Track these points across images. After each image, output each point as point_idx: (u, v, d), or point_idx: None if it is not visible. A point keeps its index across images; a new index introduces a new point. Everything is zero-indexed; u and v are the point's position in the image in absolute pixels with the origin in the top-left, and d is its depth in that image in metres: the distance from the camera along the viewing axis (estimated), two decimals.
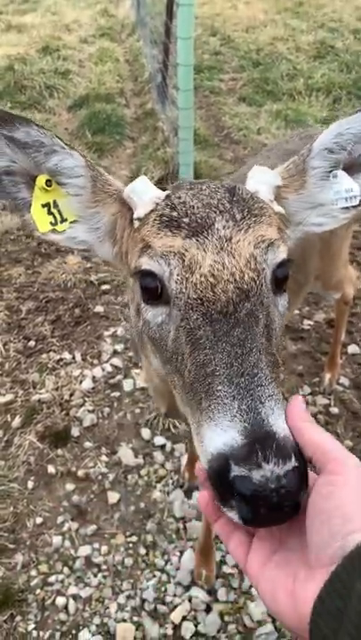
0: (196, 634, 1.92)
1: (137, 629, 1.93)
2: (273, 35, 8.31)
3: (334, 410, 2.66)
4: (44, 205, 1.02)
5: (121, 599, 2.01)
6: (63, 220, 1.04)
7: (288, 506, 0.64)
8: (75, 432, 2.59)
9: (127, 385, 2.82)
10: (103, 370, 2.91)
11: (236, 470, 0.65)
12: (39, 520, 2.25)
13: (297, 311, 3.25)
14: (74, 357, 2.99)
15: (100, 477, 2.41)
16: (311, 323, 3.20)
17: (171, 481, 2.40)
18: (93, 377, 2.87)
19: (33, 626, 1.94)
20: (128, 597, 2.02)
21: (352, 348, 3.00)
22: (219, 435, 0.69)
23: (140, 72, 7.14)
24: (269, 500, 0.63)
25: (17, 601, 2.00)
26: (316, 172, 1.04)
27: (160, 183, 4.59)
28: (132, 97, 6.75)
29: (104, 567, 2.10)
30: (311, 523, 0.63)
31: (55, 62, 7.18)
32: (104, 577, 2.08)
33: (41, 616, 1.97)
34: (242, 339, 0.76)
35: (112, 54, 7.70)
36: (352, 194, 1.04)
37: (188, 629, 1.91)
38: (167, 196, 0.96)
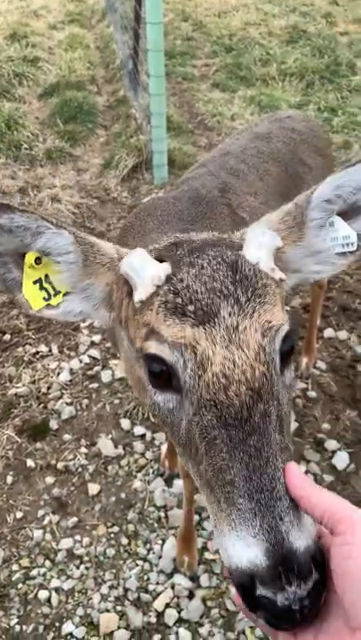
0: (180, 620, 1.93)
1: (120, 619, 1.93)
2: (245, 20, 8.26)
3: (312, 394, 2.68)
4: (35, 282, 0.99)
5: (104, 589, 2.01)
6: (56, 293, 1.01)
7: (310, 615, 0.68)
8: (53, 425, 2.56)
9: (105, 376, 2.80)
10: (81, 361, 2.88)
11: (262, 591, 0.68)
12: (19, 514, 2.23)
13: None
14: (50, 350, 2.96)
15: (79, 469, 2.39)
16: (287, 308, 3.21)
17: (151, 470, 2.40)
18: (71, 369, 2.84)
19: (16, 620, 1.93)
20: (111, 587, 2.02)
21: (328, 332, 3.03)
22: (243, 549, 0.71)
23: (112, 59, 7.03)
24: (292, 615, 0.67)
25: None
26: (315, 223, 1.01)
27: (134, 171, 4.55)
28: (104, 84, 6.65)
29: (86, 559, 2.10)
30: (341, 585, 0.65)
31: (24, 49, 7.02)
32: (86, 568, 2.07)
33: (24, 610, 1.96)
34: (258, 447, 0.75)
35: (82, 41, 7.57)
36: (349, 240, 1.02)
37: (171, 616, 1.92)
38: (168, 279, 0.90)
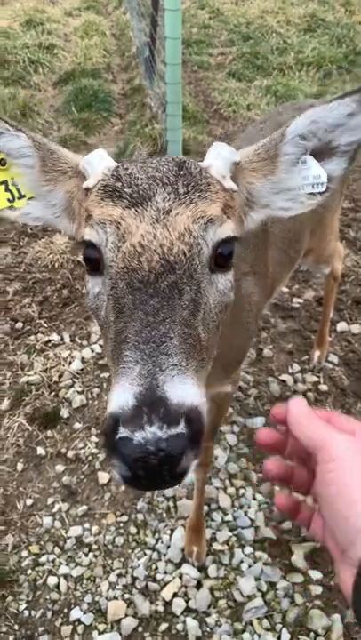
0: (187, 609, 1.94)
1: (128, 607, 1.94)
2: (263, 7, 8.14)
3: (323, 387, 2.66)
4: (0, 183, 1.04)
5: (112, 577, 2.02)
6: (21, 197, 1.06)
7: (167, 470, 0.66)
8: (64, 413, 2.57)
9: None
10: (92, 351, 2.89)
11: (122, 431, 0.67)
12: (29, 502, 2.25)
13: (286, 289, 3.24)
14: (62, 339, 2.96)
15: (90, 458, 2.40)
16: (301, 301, 3.18)
17: None
18: (82, 358, 2.85)
19: (24, 605, 1.95)
20: (119, 576, 2.03)
21: (341, 326, 3.00)
22: (117, 396, 0.71)
23: (128, 46, 6.97)
24: (147, 461, 0.65)
25: (8, 582, 2.00)
26: (288, 158, 1.01)
27: None
28: (120, 72, 6.60)
29: (95, 547, 2.11)
30: (326, 510, 0.67)
31: (39, 36, 6.99)
32: (95, 556, 2.09)
33: (32, 596, 1.98)
34: (157, 308, 0.77)
35: (98, 28, 7.51)
36: (320, 180, 1.02)
37: (178, 605, 1.93)
38: (115, 167, 0.95)
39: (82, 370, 2.79)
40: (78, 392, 2.67)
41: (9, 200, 1.05)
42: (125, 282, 0.81)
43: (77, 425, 2.53)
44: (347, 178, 2.34)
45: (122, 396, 0.70)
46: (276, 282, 1.94)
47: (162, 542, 2.12)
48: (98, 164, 0.96)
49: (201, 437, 0.70)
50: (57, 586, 2.00)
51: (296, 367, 2.78)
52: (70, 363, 2.81)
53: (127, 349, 0.74)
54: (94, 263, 0.89)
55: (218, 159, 0.96)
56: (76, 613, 1.93)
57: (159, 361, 0.72)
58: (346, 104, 0.95)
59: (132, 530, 2.16)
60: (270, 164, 1.02)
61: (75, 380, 2.74)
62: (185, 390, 0.71)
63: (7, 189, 1.05)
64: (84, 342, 2.94)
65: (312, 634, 1.86)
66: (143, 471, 0.66)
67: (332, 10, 8.03)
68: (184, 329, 0.78)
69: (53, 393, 2.67)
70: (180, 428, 0.67)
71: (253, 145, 1.05)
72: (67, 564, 2.06)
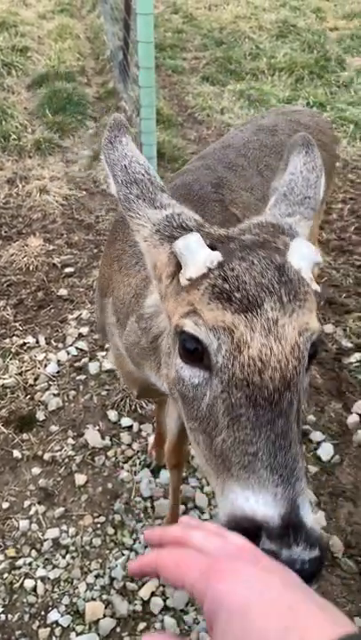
0: (165, 608, 1.95)
1: (106, 607, 1.94)
2: (236, 13, 8.24)
3: None
4: None
5: (90, 579, 2.02)
6: None
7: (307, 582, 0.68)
8: (40, 416, 2.56)
9: (93, 368, 2.80)
10: (68, 353, 2.88)
11: (268, 544, 0.69)
12: (5, 505, 2.23)
13: None
14: (37, 341, 2.95)
15: (66, 460, 2.40)
16: None
17: (138, 461, 2.41)
18: (58, 361, 2.84)
19: (1, 610, 1.93)
20: (97, 577, 2.03)
21: None
22: (257, 504, 0.73)
23: (102, 50, 6.98)
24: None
25: None
26: None
27: None
28: (94, 75, 6.60)
29: (72, 548, 2.11)
30: None
31: (12, 39, 6.94)
32: (72, 558, 2.08)
33: (9, 599, 1.97)
34: (285, 430, 0.78)
35: (72, 31, 7.50)
36: None
37: (156, 604, 1.94)
38: (220, 265, 0.92)
39: (57, 372, 2.78)
40: (54, 395, 2.66)
41: None
42: (245, 395, 0.80)
43: (53, 427, 2.52)
44: (329, 189, 2.39)
45: (265, 509, 0.72)
46: None
47: (139, 542, 2.12)
48: (197, 252, 0.94)
49: (323, 567, 0.73)
50: (34, 589, 1.99)
51: None
52: (46, 365, 2.80)
53: (263, 468, 0.76)
54: (194, 355, 0.89)
55: (303, 260, 0.96)
56: (53, 616, 1.92)
57: (296, 487, 0.75)
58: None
59: (110, 530, 2.16)
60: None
61: (50, 382, 2.73)
62: (313, 517, 0.75)
63: None
64: (60, 345, 2.94)
65: None
66: None
67: (303, 16, 8.17)
68: (299, 448, 0.80)
69: (29, 396, 2.66)
70: (317, 552, 0.70)
71: (304, 220, 1.11)
72: (44, 567, 2.05)
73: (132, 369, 1.48)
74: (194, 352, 0.89)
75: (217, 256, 0.93)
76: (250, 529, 0.70)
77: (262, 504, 0.73)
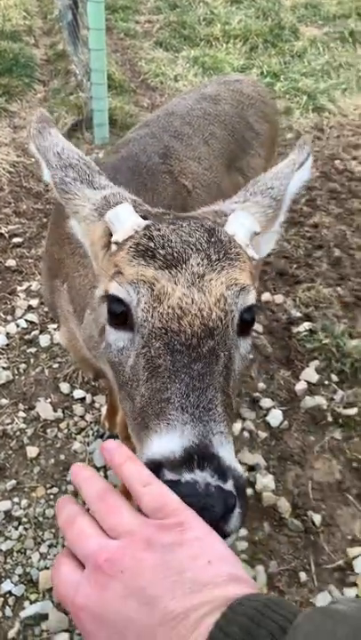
0: None
1: None
2: None
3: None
4: None
5: (43, 548, 2.03)
6: None
7: (217, 512, 0.64)
8: None
9: (44, 340, 2.76)
10: (18, 326, 2.82)
11: (167, 475, 0.66)
12: None
13: None
14: None
15: (17, 433, 2.37)
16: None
17: (91, 432, 2.41)
18: (7, 333, 2.78)
19: None
20: (50, 546, 2.04)
21: (265, 296, 3.10)
22: (160, 444, 0.70)
23: (50, 8, 6.66)
24: (198, 497, 0.63)
25: None
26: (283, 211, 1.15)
27: (74, 130, 4.39)
28: (42, 36, 6.31)
29: (25, 520, 2.11)
30: None
31: None
32: (25, 529, 2.08)
33: None
34: (202, 373, 0.77)
35: None
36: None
37: None
38: (147, 226, 0.94)
39: (7, 345, 2.73)
40: (4, 368, 2.61)
41: None
42: (163, 343, 0.80)
43: (4, 401, 2.48)
44: (273, 159, 2.41)
45: (166, 446, 0.69)
46: None
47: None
48: (126, 219, 0.95)
49: (245, 514, 0.69)
50: None
51: None
52: None
53: (173, 409, 0.73)
54: (119, 317, 0.88)
55: (241, 228, 0.99)
56: (6, 586, 1.92)
57: (210, 426, 0.71)
58: (309, 166, 1.19)
59: None
60: (274, 220, 1.13)
61: (0, 355, 2.67)
62: (232, 459, 0.71)
63: None
64: (9, 317, 2.87)
65: None
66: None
67: None
68: (223, 396, 0.78)
69: None
70: (229, 485, 0.66)
71: (253, 205, 1.12)
72: None
73: (88, 355, 1.46)
74: (120, 315, 0.89)
75: (145, 221, 0.95)
76: (150, 468, 0.67)
77: (166, 442, 0.70)
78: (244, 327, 0.91)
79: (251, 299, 0.92)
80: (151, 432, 0.75)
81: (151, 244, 0.89)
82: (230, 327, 0.86)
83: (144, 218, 0.98)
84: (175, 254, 0.87)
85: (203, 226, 0.95)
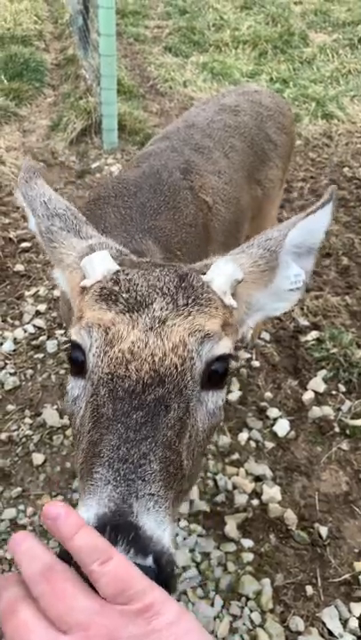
0: None
1: None
2: None
3: (256, 363, 2.75)
4: None
5: None
6: None
7: None
8: None
9: (51, 346, 2.75)
10: (25, 331, 2.82)
11: None
12: None
13: None
14: None
15: (24, 440, 2.37)
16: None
17: None
18: (15, 338, 2.78)
19: None
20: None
21: None
22: (80, 509, 0.64)
23: (61, 13, 6.69)
24: None
25: None
26: (283, 265, 1.04)
27: (83, 135, 4.40)
28: (52, 40, 6.34)
29: (30, 528, 2.10)
30: None
31: None
32: None
33: None
34: (140, 423, 0.71)
35: None
36: (299, 278, 1.07)
37: None
38: (116, 271, 0.91)
39: (14, 351, 2.73)
40: (11, 374, 2.61)
41: None
42: (108, 389, 0.74)
43: (10, 407, 2.48)
44: (288, 170, 2.38)
45: (85, 513, 0.63)
46: None
47: None
48: (99, 264, 0.91)
49: (172, 590, 0.60)
50: None
51: None
52: (2, 344, 2.74)
53: (99, 465, 0.67)
54: (79, 366, 0.84)
55: (220, 275, 0.93)
56: None
57: (135, 486, 0.65)
58: (327, 213, 1.02)
59: None
60: (270, 273, 1.03)
61: (7, 361, 2.67)
62: (160, 527, 0.64)
63: None
64: (17, 322, 2.87)
65: (243, 598, 1.95)
66: None
67: None
68: (167, 452, 0.71)
69: None
70: (149, 562, 0.58)
71: (244, 256, 1.04)
72: (0, 547, 2.04)
73: None
74: (81, 363, 0.84)
75: (115, 267, 0.92)
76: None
77: (85, 508, 0.64)
78: (214, 379, 0.84)
79: (222, 348, 0.85)
80: (82, 493, 0.69)
81: (115, 288, 0.86)
82: (189, 376, 0.79)
83: (120, 266, 0.95)
84: (138, 298, 0.84)
85: (176, 271, 0.91)
